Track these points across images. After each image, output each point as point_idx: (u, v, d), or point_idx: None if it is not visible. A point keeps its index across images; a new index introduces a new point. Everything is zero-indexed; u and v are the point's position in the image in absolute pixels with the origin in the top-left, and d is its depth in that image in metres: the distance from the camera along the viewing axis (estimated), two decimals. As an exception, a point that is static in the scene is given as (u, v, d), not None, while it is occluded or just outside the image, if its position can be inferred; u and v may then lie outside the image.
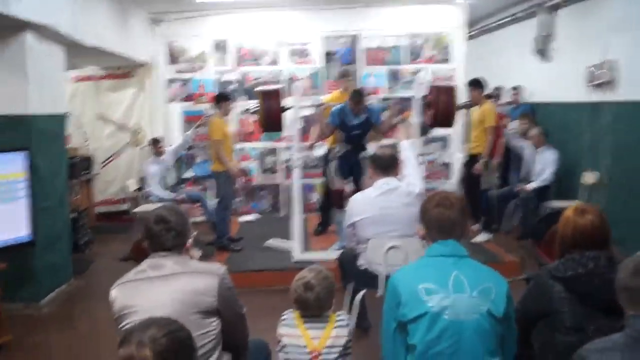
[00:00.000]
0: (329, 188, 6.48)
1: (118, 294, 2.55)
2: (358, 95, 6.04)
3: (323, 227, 6.98)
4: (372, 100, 6.96)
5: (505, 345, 2.45)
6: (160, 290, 2.50)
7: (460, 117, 7.45)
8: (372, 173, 4.11)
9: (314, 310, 2.75)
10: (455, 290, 2.38)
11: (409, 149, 4.32)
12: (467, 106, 7.41)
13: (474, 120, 7.20)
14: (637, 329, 1.89)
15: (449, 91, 5.75)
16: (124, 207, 8.63)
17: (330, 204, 6.52)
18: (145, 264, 2.63)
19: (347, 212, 4.06)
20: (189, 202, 7.45)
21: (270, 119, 5.77)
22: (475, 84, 7.18)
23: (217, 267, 2.66)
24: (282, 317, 2.81)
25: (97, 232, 7.61)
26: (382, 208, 3.96)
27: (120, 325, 2.51)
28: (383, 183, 4.04)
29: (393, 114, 6.42)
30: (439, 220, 2.53)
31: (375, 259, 4.00)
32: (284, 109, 5.82)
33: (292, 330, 2.75)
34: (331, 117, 6.11)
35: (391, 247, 3.91)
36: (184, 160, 8.54)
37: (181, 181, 8.49)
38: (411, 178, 4.13)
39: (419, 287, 2.40)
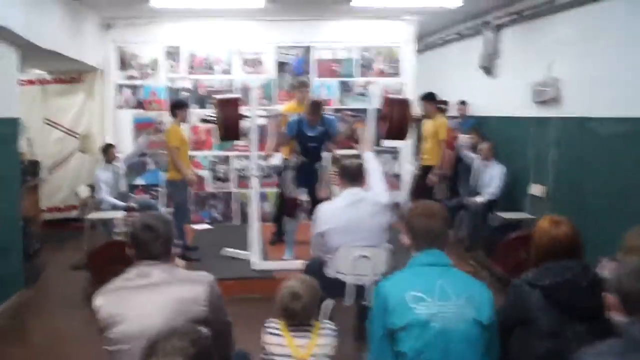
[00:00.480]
0: (283, 197, 6.42)
1: (103, 302, 2.52)
2: (316, 107, 5.95)
3: (278, 237, 6.96)
4: (327, 112, 6.94)
5: (490, 352, 2.55)
6: (150, 298, 2.49)
7: (411, 130, 7.36)
8: (340, 182, 4.12)
9: (300, 319, 2.79)
10: (441, 298, 2.46)
11: (372, 159, 4.35)
12: (420, 119, 7.51)
13: (427, 132, 7.35)
14: (635, 334, 1.97)
15: (403, 104, 5.78)
16: (74, 214, 8.38)
17: (283, 213, 6.49)
18: (132, 272, 2.61)
19: (315, 221, 4.05)
20: (141, 210, 7.18)
21: (229, 127, 5.76)
22: (429, 98, 7.35)
23: (205, 275, 2.67)
24: (267, 325, 2.84)
25: (44, 240, 7.35)
26: (351, 217, 3.97)
27: (108, 333, 2.49)
28: (351, 193, 4.05)
29: (348, 126, 6.51)
30: (425, 231, 2.60)
31: (343, 268, 4.03)
32: (242, 117, 5.78)
33: (278, 339, 2.78)
34: (288, 127, 6.08)
35: (359, 257, 3.94)
36: (134, 167, 8.36)
37: (131, 189, 8.31)
38: (377, 188, 4.16)
39: (406, 295, 2.46)
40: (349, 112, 8.41)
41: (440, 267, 2.57)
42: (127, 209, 6.99)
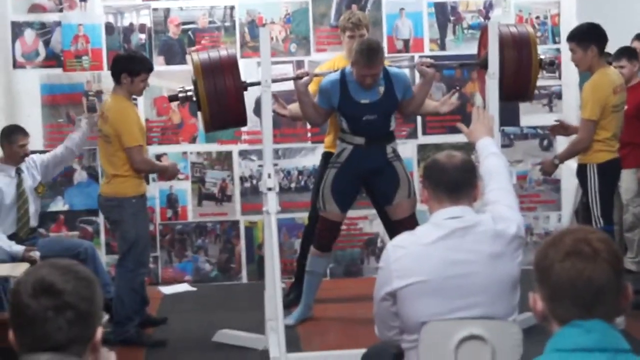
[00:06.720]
0: (316, 215, 4.61)
1: None
2: (371, 54, 4.33)
3: (297, 290, 4.87)
4: (402, 63, 5.05)
5: None
6: None
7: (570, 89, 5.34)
8: (428, 197, 2.74)
9: None
10: None
11: (493, 153, 2.93)
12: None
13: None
14: None
15: (520, 40, 4.44)
16: None
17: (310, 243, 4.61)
18: None
19: (381, 270, 2.70)
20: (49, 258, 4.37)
21: (221, 112, 4.25)
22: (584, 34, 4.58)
23: None
24: None
25: None
26: (449, 264, 2.63)
27: None
28: (449, 216, 2.66)
29: (427, 80, 4.51)
30: (573, 284, 1.70)
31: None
32: (245, 88, 4.21)
33: None
34: (321, 95, 4.50)
35: (467, 338, 2.59)
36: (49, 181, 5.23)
37: (43, 220, 5.16)
38: (501, 206, 2.73)
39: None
40: (453, 64, 5.43)
41: (608, 354, 1.62)
42: (28, 259, 4.51)
